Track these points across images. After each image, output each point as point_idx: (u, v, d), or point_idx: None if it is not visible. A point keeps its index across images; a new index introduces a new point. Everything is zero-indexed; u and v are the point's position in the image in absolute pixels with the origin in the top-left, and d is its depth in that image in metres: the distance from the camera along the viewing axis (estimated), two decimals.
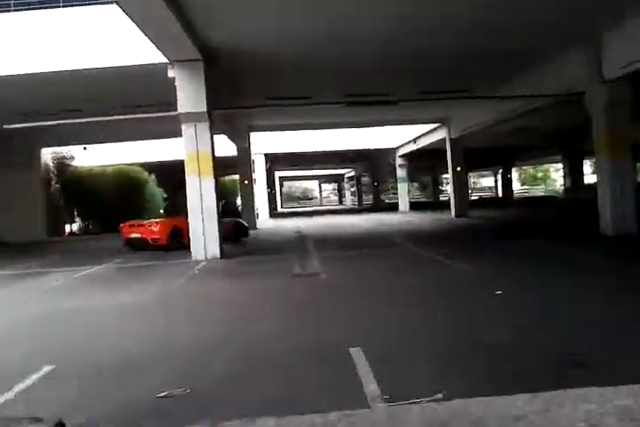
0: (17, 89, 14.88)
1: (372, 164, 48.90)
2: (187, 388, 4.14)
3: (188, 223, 13.49)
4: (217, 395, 4.07)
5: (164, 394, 4.04)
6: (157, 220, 17.63)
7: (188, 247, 13.63)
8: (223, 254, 13.34)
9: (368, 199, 62.01)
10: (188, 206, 13.23)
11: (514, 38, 13.21)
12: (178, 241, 15.77)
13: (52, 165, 27.31)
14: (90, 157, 29.00)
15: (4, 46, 13.36)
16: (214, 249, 13.21)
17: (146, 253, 15.71)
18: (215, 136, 14.33)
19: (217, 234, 13.27)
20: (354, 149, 37.43)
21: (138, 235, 16.39)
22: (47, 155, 27.13)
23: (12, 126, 15.69)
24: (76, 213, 28.83)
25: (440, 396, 3.73)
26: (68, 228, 29.03)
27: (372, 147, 37.62)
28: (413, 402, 3.66)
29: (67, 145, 27.07)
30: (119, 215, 26.91)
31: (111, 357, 5.23)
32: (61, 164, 27.38)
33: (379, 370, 4.34)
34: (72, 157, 27.72)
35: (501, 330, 5.53)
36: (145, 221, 17.21)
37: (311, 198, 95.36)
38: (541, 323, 5.73)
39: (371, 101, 16.93)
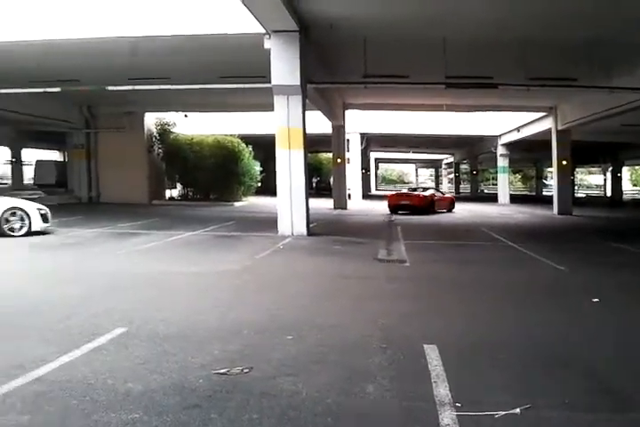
0: (122, 54, 15.35)
1: (473, 151, 47.34)
2: (246, 367, 4.03)
3: (442, 196, 23.07)
4: (274, 379, 3.93)
5: (222, 371, 3.95)
6: (418, 193, 24.51)
7: (437, 212, 22.05)
8: (310, 232, 13.27)
9: (466, 188, 60.33)
10: (277, 181, 13.21)
11: (633, 28, 12.18)
12: (433, 209, 22.90)
13: (154, 130, 28.26)
14: (191, 124, 29.77)
15: (115, 7, 13.70)
16: (301, 226, 13.16)
17: (239, 224, 15.99)
18: (311, 112, 14.22)
19: (305, 210, 13.21)
20: (454, 134, 36.29)
21: (407, 202, 22.95)
22: (151, 120, 28.07)
23: (114, 88, 16.26)
24: (177, 179, 29.81)
25: (517, 411, 3.41)
26: (168, 193, 30.10)
27: (473, 133, 36.33)
28: (485, 414, 3.37)
29: (168, 111, 27.82)
30: (216, 184, 27.77)
31: (182, 325, 5.24)
32: (164, 129, 28.27)
33: (453, 373, 4.05)
34: (174, 124, 28.54)
35: (596, 343, 5.05)
36: (412, 193, 24.41)
37: (407, 183, 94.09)
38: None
39: (472, 84, 16.11)
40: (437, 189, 34.10)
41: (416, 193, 24.35)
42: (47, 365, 3.98)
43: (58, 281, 7.40)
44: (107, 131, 26.84)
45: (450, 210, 25.21)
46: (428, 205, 22.89)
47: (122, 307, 5.95)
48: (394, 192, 26.58)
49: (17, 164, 41.60)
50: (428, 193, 24.60)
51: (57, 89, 17.13)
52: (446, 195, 28.43)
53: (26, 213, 12.18)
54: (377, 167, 75.54)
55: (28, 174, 38.96)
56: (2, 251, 10.37)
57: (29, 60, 15.90)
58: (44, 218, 12.50)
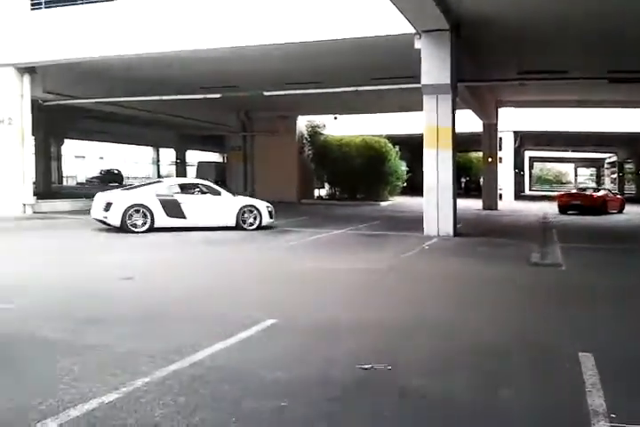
0: (280, 60, 16.04)
1: (639, 149, 43.44)
2: (390, 364, 4.03)
3: (614, 196, 23.71)
4: (418, 377, 3.88)
5: (366, 366, 3.98)
6: (590, 192, 23.93)
7: (608, 213, 21.63)
8: (456, 233, 12.98)
9: (630, 188, 55.60)
10: (424, 180, 13.06)
11: None
12: (605, 209, 22.10)
13: (305, 132, 29.24)
14: (340, 126, 30.40)
15: (268, 15, 14.37)
16: (447, 226, 12.89)
17: (385, 223, 16.03)
18: (460, 111, 13.91)
19: (452, 210, 12.92)
20: (618, 131, 33.50)
21: (578, 202, 22.50)
22: (302, 123, 29.10)
23: (271, 93, 17.03)
24: (325, 179, 30.61)
25: None
26: (316, 192, 31.00)
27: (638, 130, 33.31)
28: None
29: (319, 114, 28.70)
30: (363, 184, 28.13)
31: (329, 319, 5.36)
32: (314, 131, 29.16)
33: (610, 383, 3.75)
34: (324, 126, 29.33)
35: None
36: (583, 193, 23.93)
37: (564, 183, 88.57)
38: None
39: (637, 78, 14.76)
40: (609, 189, 31.86)
41: (588, 193, 23.79)
42: (203, 351, 4.24)
43: (218, 273, 7.90)
44: (261, 134, 28.21)
45: (620, 211, 23.65)
46: (600, 206, 22.16)
47: (272, 299, 6.22)
48: (563, 192, 26.28)
49: (181, 165, 45.03)
50: (601, 193, 23.98)
51: (217, 95, 18.30)
52: (617, 195, 26.66)
53: (258, 210, 13.73)
54: (531, 167, 71.99)
55: (191, 174, 41.98)
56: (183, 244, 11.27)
57: (193, 67, 17.17)
58: (270, 214, 13.96)
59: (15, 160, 17.04)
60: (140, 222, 12.46)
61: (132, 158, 57.04)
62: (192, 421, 3.09)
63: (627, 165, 57.25)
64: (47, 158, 32.21)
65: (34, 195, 17.69)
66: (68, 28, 15.96)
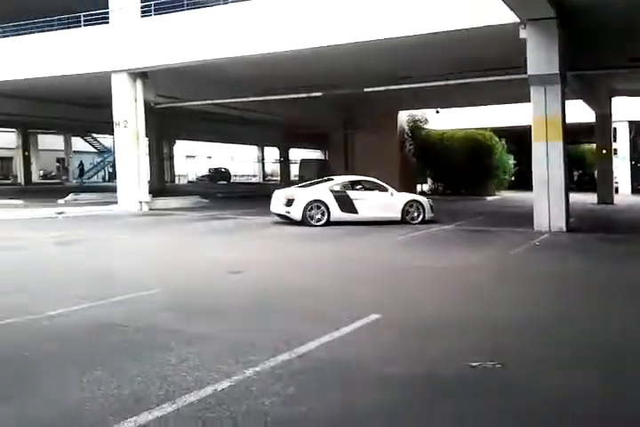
0: (378, 56, 15.96)
1: None
2: (500, 363, 3.91)
3: None
4: (531, 377, 3.74)
5: (475, 364, 3.88)
6: None
7: None
8: (569, 228, 12.36)
9: None
10: (533, 174, 12.56)
11: None
12: None
13: (407, 127, 28.94)
14: (442, 120, 29.84)
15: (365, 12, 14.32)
16: (559, 221, 12.31)
17: (492, 218, 15.63)
18: (570, 101, 13.28)
19: (564, 204, 12.33)
20: None
21: None
22: (404, 117, 28.81)
23: (371, 90, 16.99)
24: (427, 174, 30.19)
25: None
26: (419, 187, 30.64)
27: None
28: None
29: (421, 108, 28.30)
30: (467, 179, 27.45)
31: (434, 316, 5.29)
32: (416, 126, 28.79)
33: None
34: (425, 120, 28.89)
35: None
36: None
37: None
38: None
39: None
40: None
41: None
42: (310, 343, 4.31)
43: (325, 268, 8.01)
44: (362, 130, 28.23)
45: None
46: None
47: (377, 294, 6.22)
48: None
49: (284, 162, 46.01)
50: None
51: (318, 94, 18.49)
52: None
53: (421, 204, 14.24)
54: None
55: (294, 172, 42.73)
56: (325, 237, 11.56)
57: (296, 66, 17.46)
58: (432, 209, 14.37)
59: (131, 161, 18.08)
60: (318, 217, 13.33)
61: (238, 157, 58.98)
62: (300, 410, 3.15)
63: None
64: (160, 158, 34.06)
65: (149, 193, 18.69)
66: (176, 34, 16.77)
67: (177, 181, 46.94)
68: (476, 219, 15.70)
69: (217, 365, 3.83)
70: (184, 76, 18.41)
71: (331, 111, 27.43)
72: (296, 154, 47.38)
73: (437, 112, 29.05)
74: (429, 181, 30.62)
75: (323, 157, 45.56)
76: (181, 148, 48.10)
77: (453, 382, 3.64)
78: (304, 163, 38.13)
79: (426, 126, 28.99)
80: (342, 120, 28.67)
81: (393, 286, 6.82)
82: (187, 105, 20.23)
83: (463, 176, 27.14)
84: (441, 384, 3.60)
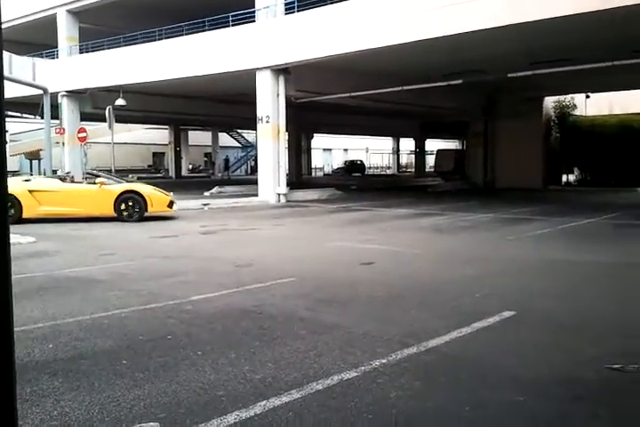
0: (520, 39, 15.18)
1: None
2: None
3: None
4: None
5: (615, 366, 3.61)
6: None
7: None
8: None
9: None
10: None
11: None
12: None
13: (553, 113, 27.36)
14: (594, 105, 27.83)
15: None
16: None
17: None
18: None
19: None
20: None
21: None
22: (549, 104, 27.26)
23: (516, 75, 16.23)
24: (574, 164, 28.42)
25: None
26: (564, 178, 28.95)
27: None
28: None
29: (569, 93, 26.60)
30: (618, 169, 25.45)
31: (573, 314, 5.00)
32: (563, 113, 27.13)
33: None
34: (574, 106, 27.12)
35: None
36: None
37: None
38: None
39: None
40: None
41: None
42: (438, 337, 4.25)
43: (457, 262, 7.84)
44: (504, 118, 27.08)
45: None
46: None
47: (511, 291, 5.98)
48: None
49: (420, 153, 45.49)
50: None
51: (459, 81, 17.99)
52: None
53: None
54: None
55: (430, 163, 42.12)
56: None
57: (433, 55, 17.09)
58: None
59: (271, 155, 18.74)
60: None
61: (373, 149, 59.19)
62: (426, 405, 3.13)
63: None
64: (298, 152, 35.05)
65: (286, 185, 19.28)
66: (317, 29, 17.09)
67: (313, 174, 48.03)
68: (626, 212, 14.53)
69: (344, 354, 3.89)
70: (322, 70, 18.73)
71: (470, 99, 26.55)
72: (432, 145, 46.59)
73: (588, 97, 27.17)
74: (576, 171, 28.73)
75: (460, 148, 44.43)
76: (318, 141, 49.13)
77: (588, 385, 3.42)
78: (440, 153, 37.41)
79: (575, 112, 27.21)
80: (482, 108, 27.67)
81: (527, 282, 6.49)
82: (325, 98, 20.58)
83: (613, 166, 25.17)
84: (573, 387, 3.40)
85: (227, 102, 26.77)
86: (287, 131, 20.75)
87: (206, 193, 21.40)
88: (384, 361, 3.76)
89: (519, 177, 25.14)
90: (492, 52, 16.74)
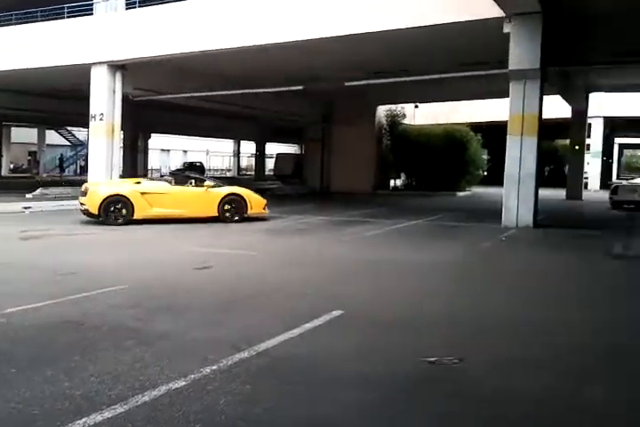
0: (360, 50, 15.90)
1: None
2: (456, 358, 3.94)
3: None
4: (484, 373, 3.77)
5: (431, 360, 3.90)
6: None
7: None
8: (537, 223, 12.51)
9: None
10: (505, 169, 12.67)
11: None
12: None
13: (385, 122, 28.96)
14: (422, 115, 29.92)
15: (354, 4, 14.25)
16: (527, 216, 12.45)
17: (462, 214, 15.75)
18: (546, 97, 13.42)
19: (533, 200, 12.46)
20: None
21: None
22: (382, 112, 28.81)
23: (352, 84, 16.95)
24: (402, 170, 30.23)
25: None
26: (392, 183, 30.71)
27: None
28: None
29: (400, 103, 28.33)
30: (440, 174, 27.58)
31: (398, 311, 5.30)
32: (393, 121, 28.83)
33: None
34: (403, 115, 28.93)
35: None
36: None
37: None
38: None
39: None
40: None
41: None
42: (269, 340, 4.28)
43: (289, 264, 7.98)
44: (340, 125, 28.16)
45: None
46: None
47: (341, 290, 6.21)
48: None
49: (260, 157, 45.81)
50: None
51: (299, 87, 18.37)
52: None
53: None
54: (621, 154, 68.24)
55: (270, 166, 42.59)
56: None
57: (277, 60, 17.30)
58: None
59: (104, 154, 17.73)
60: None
61: (213, 151, 58.57)
62: (255, 410, 3.13)
63: None
64: (134, 152, 33.61)
65: None
66: (156, 26, 16.55)
67: (150, 175, 46.42)
68: (446, 214, 15.77)
69: (173, 364, 3.79)
70: (162, 69, 18.17)
71: (310, 105, 27.30)
72: (273, 148, 47.18)
73: (416, 107, 29.11)
74: (403, 176, 30.65)
75: (299, 152, 45.44)
76: (156, 141, 47.58)
77: (409, 378, 3.65)
78: (280, 157, 38.00)
79: (404, 121, 29.04)
80: (321, 114, 28.58)
81: (356, 281, 6.79)
82: (164, 98, 19.96)
83: (436, 172, 27.22)
84: (397, 381, 3.60)
85: (57, 97, 24.90)
86: (123, 129, 19.83)
87: (28, 195, 19.76)
88: (214, 368, 3.71)
89: (353, 181, 26.27)
90: (331, 59, 17.34)
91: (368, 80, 16.88)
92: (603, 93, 26.79)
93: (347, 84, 17.06)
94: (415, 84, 18.77)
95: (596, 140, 32.25)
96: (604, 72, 19.71)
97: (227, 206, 13.01)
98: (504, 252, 9.50)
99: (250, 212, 13.25)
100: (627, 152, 79.08)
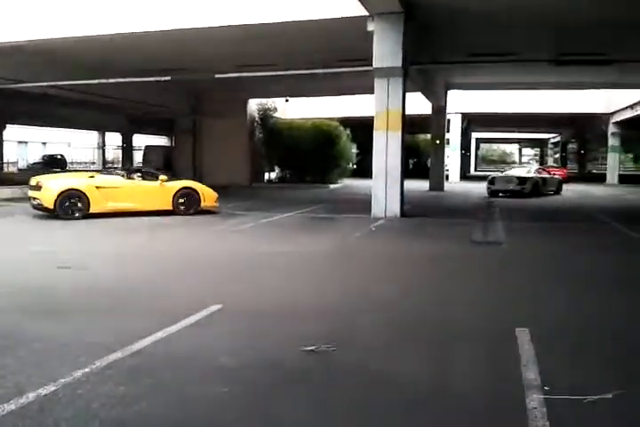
0: (232, 42, 15.76)
1: (582, 130, 44.82)
2: (334, 345, 4.09)
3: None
4: (361, 356, 3.96)
5: (310, 348, 4.03)
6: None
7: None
8: (403, 214, 13.18)
9: (573, 168, 57.47)
10: (373, 162, 13.20)
11: None
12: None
13: (257, 115, 28.97)
14: (292, 109, 30.23)
15: None
16: (395, 207, 13.08)
17: (334, 206, 16.19)
18: (409, 94, 14.07)
19: (399, 191, 13.10)
20: (562, 112, 34.47)
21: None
22: (254, 105, 28.80)
23: (221, 76, 16.75)
24: (275, 162, 30.43)
25: (610, 396, 3.25)
26: (267, 175, 30.83)
27: (582, 111, 34.35)
28: (574, 398, 3.25)
29: (272, 97, 28.47)
30: (313, 167, 28.11)
31: (275, 302, 5.38)
32: (265, 115, 28.92)
33: (544, 357, 3.91)
34: (275, 109, 29.10)
35: None
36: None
37: (509, 163, 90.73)
38: None
39: (585, 60, 15.19)
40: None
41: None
42: (145, 339, 4.20)
43: (159, 259, 7.80)
44: (211, 117, 27.77)
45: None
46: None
47: (218, 284, 6.19)
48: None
49: (127, 149, 44.01)
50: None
51: (167, 78, 17.82)
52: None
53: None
54: (477, 148, 73.36)
55: (138, 159, 41.07)
56: None
57: (144, 49, 16.68)
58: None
59: None
60: None
61: (76, 143, 55.36)
62: (130, 410, 3.07)
63: (570, 145, 59.08)
64: None
65: None
66: (10, 10, 15.27)
67: (5, 169, 43.05)
68: (319, 206, 16.12)
69: (42, 369, 3.61)
70: (21, 55, 16.84)
71: (179, 96, 26.64)
72: (141, 140, 45.47)
73: (287, 101, 29.34)
74: (277, 169, 30.90)
75: (170, 144, 44.22)
76: (12, 132, 44.14)
77: (287, 368, 3.74)
78: (149, 149, 36.74)
79: (276, 115, 29.21)
80: (191, 106, 28.00)
81: (233, 275, 6.80)
82: (21, 87, 18.56)
83: (309, 165, 27.73)
84: (275, 372, 3.68)
85: None
86: None
87: None
88: (86, 370, 3.58)
89: (227, 174, 26.07)
90: (203, 51, 17.04)
91: (239, 73, 16.77)
92: (461, 91, 28.59)
93: (217, 76, 16.85)
94: (286, 79, 18.98)
95: (455, 134, 34.34)
96: (462, 71, 21.09)
97: (181, 200, 13.26)
98: (373, 241, 9.90)
99: (203, 204, 13.50)
100: (483, 146, 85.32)
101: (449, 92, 25.83)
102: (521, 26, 14.31)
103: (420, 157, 44.79)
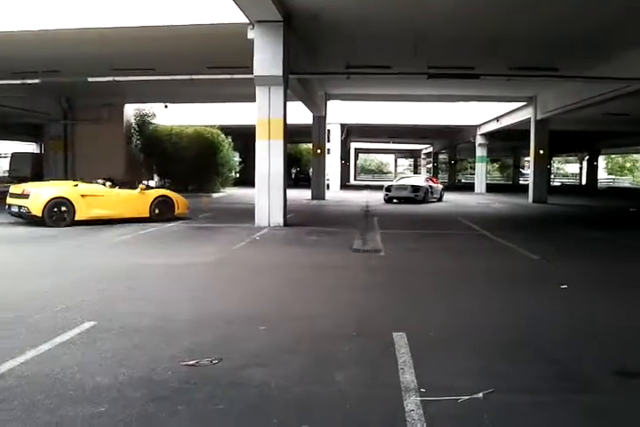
0: (107, 44, 15.15)
1: (452, 141, 47.62)
2: (216, 358, 4.05)
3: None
4: (244, 369, 3.94)
5: (190, 363, 3.95)
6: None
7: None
8: (287, 223, 13.28)
9: (444, 177, 60.85)
10: (256, 171, 13.20)
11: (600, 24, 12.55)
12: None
13: (134, 121, 28.00)
14: (171, 115, 29.52)
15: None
16: (278, 216, 13.16)
17: (217, 215, 15.98)
18: (292, 103, 14.25)
19: (282, 200, 13.20)
20: (434, 124, 36.43)
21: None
22: (131, 111, 27.83)
23: (95, 79, 16.09)
24: (154, 170, 29.50)
25: (480, 395, 3.48)
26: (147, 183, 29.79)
27: (452, 123, 36.54)
28: (448, 398, 3.44)
29: (150, 102, 27.69)
30: (194, 176, 27.56)
31: (153, 317, 5.23)
32: (143, 120, 28.02)
33: (420, 360, 4.10)
34: (153, 115, 28.29)
35: (553, 324, 5.20)
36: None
37: (386, 173, 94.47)
38: (606, 325, 5.31)
39: (453, 74, 16.22)
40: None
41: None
42: (15, 359, 3.94)
43: (31, 274, 7.31)
44: (85, 122, 26.50)
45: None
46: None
47: (92, 300, 5.89)
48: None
49: None
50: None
51: (36, 80, 16.78)
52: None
53: None
54: (356, 157, 75.69)
55: (4, 167, 38.34)
56: None
57: (9, 50, 15.60)
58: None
59: None
60: None
61: None
62: None
63: (441, 156, 62.54)
64: None
65: None
66: None
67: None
68: (202, 216, 15.86)
69: None
70: None
71: (50, 100, 25.19)
72: (6, 147, 42.52)
73: (166, 107, 28.61)
74: (156, 177, 29.98)
75: (39, 151, 41.67)
76: None
77: (167, 384, 3.65)
78: (16, 156, 34.44)
79: (154, 121, 28.38)
80: (63, 110, 26.55)
81: (107, 289, 6.51)
82: None
83: (190, 173, 27.17)
84: (153, 388, 3.58)
85: None
86: None
87: None
88: None
89: None
90: (77, 54, 16.23)
91: (113, 77, 16.14)
92: (340, 102, 29.37)
93: (90, 79, 16.16)
94: (164, 84, 18.55)
95: (335, 144, 35.16)
96: (339, 82, 21.69)
97: (157, 208, 13.98)
98: (257, 251, 9.89)
99: (177, 212, 14.33)
100: (362, 156, 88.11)
101: (329, 102, 26.44)
102: (394, 41, 14.99)
103: (301, 166, 45.48)
